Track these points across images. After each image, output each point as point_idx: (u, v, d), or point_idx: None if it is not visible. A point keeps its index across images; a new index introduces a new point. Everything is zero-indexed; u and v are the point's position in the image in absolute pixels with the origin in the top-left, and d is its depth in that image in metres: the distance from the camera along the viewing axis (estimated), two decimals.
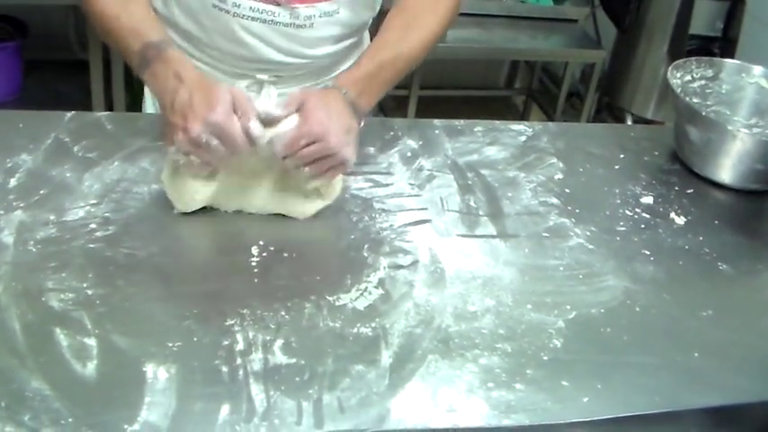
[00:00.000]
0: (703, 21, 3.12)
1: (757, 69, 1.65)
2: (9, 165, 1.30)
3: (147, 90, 1.66)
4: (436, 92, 3.49)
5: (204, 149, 1.16)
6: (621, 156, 1.57)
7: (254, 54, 1.47)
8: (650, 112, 3.34)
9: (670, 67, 1.59)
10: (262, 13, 1.40)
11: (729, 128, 1.47)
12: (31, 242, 1.15)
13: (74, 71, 3.23)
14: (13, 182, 1.27)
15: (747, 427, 1.10)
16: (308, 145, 1.19)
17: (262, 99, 1.25)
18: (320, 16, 1.43)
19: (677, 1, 3.13)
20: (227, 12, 1.40)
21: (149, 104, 1.66)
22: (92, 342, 1.01)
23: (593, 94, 3.51)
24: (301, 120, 1.19)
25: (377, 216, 1.29)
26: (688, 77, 1.63)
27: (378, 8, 1.55)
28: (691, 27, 3.13)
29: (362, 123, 1.30)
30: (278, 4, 1.39)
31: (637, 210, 1.41)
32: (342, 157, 1.22)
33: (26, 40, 3.21)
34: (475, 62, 3.87)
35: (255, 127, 1.16)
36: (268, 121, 1.18)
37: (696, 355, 1.11)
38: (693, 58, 1.65)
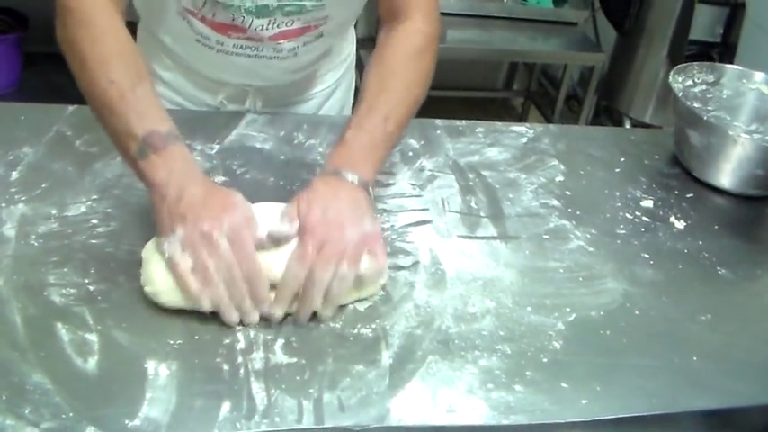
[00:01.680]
0: (703, 26, 3.14)
1: (758, 76, 1.65)
2: (11, 158, 1.31)
3: None
4: (435, 92, 3.47)
5: (209, 250, 1.02)
6: (622, 159, 1.58)
7: (243, 80, 1.50)
8: (648, 116, 3.35)
9: (672, 72, 1.59)
10: (245, 49, 1.40)
11: (730, 133, 1.48)
12: (33, 236, 1.15)
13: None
14: (14, 175, 1.27)
15: (745, 427, 1.10)
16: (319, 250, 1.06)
17: (263, 216, 1.08)
18: (303, 45, 1.43)
19: (677, 6, 3.13)
20: (212, 48, 1.40)
21: None
22: (93, 337, 1.01)
23: (592, 98, 3.52)
24: (300, 230, 1.07)
25: (378, 216, 1.29)
26: (689, 82, 1.64)
27: (360, 9, 1.47)
28: (691, 32, 3.14)
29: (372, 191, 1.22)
30: (261, 41, 1.38)
31: (637, 213, 1.42)
32: (355, 239, 1.07)
33: (26, 32, 3.22)
34: (474, 63, 3.87)
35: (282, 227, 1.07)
36: (276, 241, 1.07)
37: (694, 358, 1.12)
38: (695, 63, 1.66)
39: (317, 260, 1.04)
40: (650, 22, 3.23)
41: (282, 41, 1.39)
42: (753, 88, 1.66)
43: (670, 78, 1.58)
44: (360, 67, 1.80)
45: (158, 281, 1.05)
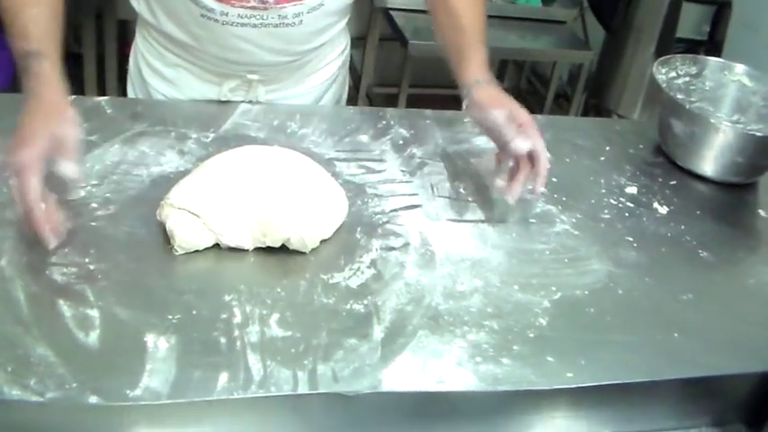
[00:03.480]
0: (690, 24, 3.18)
1: (739, 68, 1.70)
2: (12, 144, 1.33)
3: (130, 72, 1.69)
4: (426, 90, 3.53)
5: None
6: (607, 148, 1.62)
7: (247, 57, 1.51)
8: (636, 113, 3.39)
9: (656, 63, 1.64)
10: (250, 18, 1.43)
11: (712, 121, 1.52)
12: None
13: (67, 64, 3.25)
14: None
15: (723, 401, 1.14)
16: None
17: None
18: (308, 12, 1.46)
19: (665, 4, 3.17)
20: (216, 21, 1.43)
21: (131, 89, 1.69)
22: (94, 313, 1.04)
23: (581, 95, 3.56)
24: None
25: (369, 201, 1.33)
26: (673, 74, 1.68)
27: None
28: (678, 30, 3.19)
29: None
30: (265, 8, 1.42)
31: (621, 199, 1.46)
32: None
33: None
34: None
35: (68, 168, 1.13)
36: None
37: (676, 335, 1.15)
38: (679, 55, 1.70)
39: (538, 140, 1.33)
40: (638, 20, 3.27)
41: (287, 5, 1.43)
42: (734, 80, 1.70)
43: (654, 70, 1.62)
44: (352, 67, 1.85)
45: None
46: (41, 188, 1.09)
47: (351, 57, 1.80)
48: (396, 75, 3.36)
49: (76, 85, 3.00)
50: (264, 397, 0.96)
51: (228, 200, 1.18)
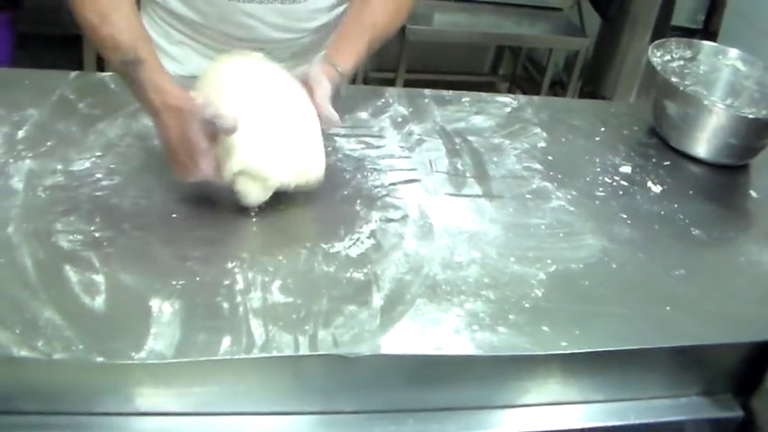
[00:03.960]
0: (686, 13, 3.21)
1: (733, 52, 1.72)
2: (16, 118, 1.36)
3: None
4: (422, 76, 3.55)
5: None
6: (602, 129, 1.64)
7: (252, 34, 1.53)
8: (631, 100, 3.42)
9: (651, 46, 1.66)
10: None
11: (705, 103, 1.54)
12: (40, 188, 1.21)
13: (66, 46, 3.27)
14: (21, 133, 1.32)
15: (712, 371, 1.17)
16: None
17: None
18: None
19: None
20: None
21: None
22: (100, 279, 1.06)
23: (576, 83, 3.58)
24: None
25: (369, 174, 1.36)
26: (668, 57, 1.70)
27: None
28: (673, 19, 3.21)
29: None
30: None
31: (615, 178, 1.48)
32: None
33: (19, 12, 3.25)
34: (460, 47, 3.93)
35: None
36: None
37: (668, 308, 1.18)
38: (674, 38, 1.72)
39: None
40: (634, 8, 3.29)
41: None
42: (728, 64, 1.72)
43: (649, 53, 1.64)
44: None
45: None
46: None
47: None
48: (393, 60, 3.38)
49: (76, 67, 3.02)
50: (267, 359, 0.98)
51: (273, 142, 1.20)
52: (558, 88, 3.94)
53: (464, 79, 4.01)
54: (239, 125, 1.14)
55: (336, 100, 1.32)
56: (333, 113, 1.28)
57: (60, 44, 3.28)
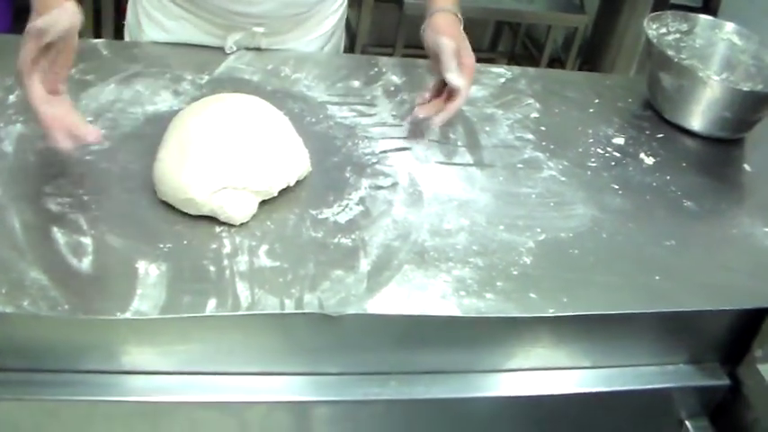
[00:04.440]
0: None
1: (729, 26, 1.71)
2: (8, 83, 1.35)
3: (127, 24, 1.70)
4: (420, 51, 3.52)
5: None
6: (596, 101, 1.63)
7: (253, 9, 1.52)
8: None
9: (646, 19, 1.65)
10: None
11: (700, 75, 1.54)
12: (30, 152, 1.21)
13: None
14: (12, 98, 1.32)
15: (699, 340, 1.17)
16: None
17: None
18: None
19: None
20: None
21: (127, 34, 1.70)
22: (87, 240, 1.06)
23: (575, 60, 3.57)
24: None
25: (360, 142, 1.35)
26: (663, 30, 1.69)
27: None
28: None
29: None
30: None
31: (608, 149, 1.48)
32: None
33: None
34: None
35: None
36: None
37: (657, 278, 1.18)
38: (669, 11, 1.71)
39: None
40: None
41: None
42: (724, 38, 1.71)
43: (644, 25, 1.63)
44: (348, 26, 1.84)
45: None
46: (44, 88, 1.10)
47: (347, 16, 1.81)
48: (391, 35, 3.37)
49: None
50: (250, 317, 0.99)
51: (249, 154, 1.16)
52: (557, 65, 3.93)
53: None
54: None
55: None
56: (456, 81, 1.34)
57: None
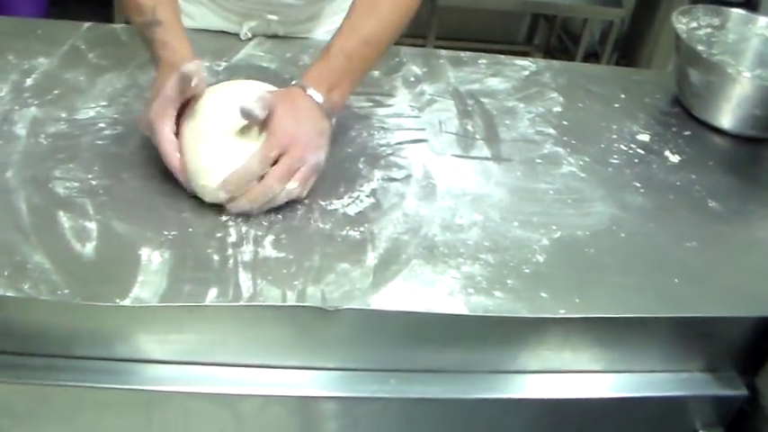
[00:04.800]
0: None
1: (763, 20, 1.66)
2: (26, 66, 1.35)
3: None
4: (453, 43, 3.50)
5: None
6: (622, 96, 1.59)
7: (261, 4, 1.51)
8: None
9: (675, 12, 1.61)
10: None
11: (729, 71, 1.49)
12: (42, 135, 1.21)
13: (97, 4, 3.29)
14: (29, 81, 1.32)
15: (716, 347, 1.13)
16: (278, 157, 1.11)
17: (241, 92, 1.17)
18: None
19: None
20: None
21: None
22: (92, 225, 1.06)
23: (611, 54, 3.52)
24: (269, 131, 1.12)
25: (375, 133, 1.33)
26: (694, 24, 1.65)
27: None
28: None
29: (334, 121, 1.21)
30: None
31: (632, 145, 1.44)
32: (312, 164, 1.13)
33: None
34: (494, 16, 3.88)
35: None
36: (248, 118, 1.11)
37: (676, 280, 1.14)
38: (701, 5, 1.67)
39: (276, 169, 1.10)
40: None
41: None
42: (758, 33, 1.66)
43: (673, 18, 1.59)
44: None
45: None
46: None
47: None
48: (423, 27, 3.33)
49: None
50: (246, 308, 0.98)
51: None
52: (592, 60, 3.87)
53: (496, 48, 3.94)
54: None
55: None
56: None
57: (93, 3, 3.30)
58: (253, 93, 1.13)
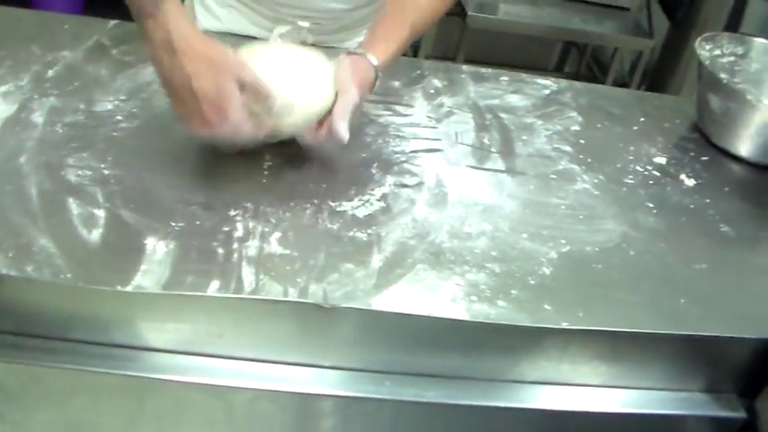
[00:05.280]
0: (756, 21, 3.11)
1: None
2: (49, 58, 1.37)
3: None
4: (485, 67, 3.49)
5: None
6: (642, 119, 1.59)
7: (299, 2, 1.52)
8: None
9: (699, 39, 1.60)
10: None
11: (748, 98, 1.48)
12: (59, 124, 1.22)
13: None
14: (50, 73, 1.34)
15: (718, 368, 1.12)
16: None
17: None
18: None
19: None
20: None
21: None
22: (101, 213, 1.06)
23: (638, 84, 3.51)
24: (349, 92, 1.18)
25: (391, 140, 1.33)
26: (717, 52, 1.64)
27: None
28: (743, 26, 3.12)
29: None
30: None
31: (648, 167, 1.43)
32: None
33: None
34: (525, 42, 3.87)
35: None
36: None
37: (682, 301, 1.13)
38: (726, 33, 1.66)
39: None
40: (703, 13, 3.21)
41: None
42: None
43: (696, 45, 1.58)
44: None
45: None
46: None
47: None
48: (452, 49, 3.35)
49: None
50: (244, 301, 0.98)
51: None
52: None
53: (525, 74, 3.94)
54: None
55: (359, 110, 1.26)
56: (342, 132, 1.16)
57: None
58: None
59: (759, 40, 1.68)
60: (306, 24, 1.56)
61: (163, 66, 1.09)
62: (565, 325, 1.03)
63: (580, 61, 4.09)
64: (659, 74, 3.47)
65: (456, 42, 3.29)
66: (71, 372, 0.97)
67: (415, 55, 3.53)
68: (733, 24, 3.12)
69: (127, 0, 1.18)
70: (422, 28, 1.34)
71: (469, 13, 3.00)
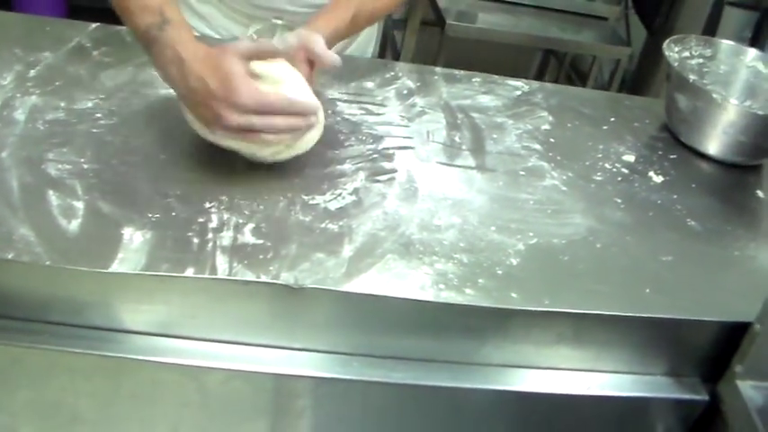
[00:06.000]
0: (732, 29, 3.15)
1: (753, 53, 1.69)
2: (31, 59, 1.40)
3: None
4: (460, 70, 3.53)
5: (253, 131, 1.14)
6: (612, 119, 1.63)
7: (271, 2, 1.57)
8: None
9: (668, 41, 1.64)
10: None
11: (715, 96, 1.52)
12: (40, 121, 1.25)
13: (115, 18, 3.34)
14: (32, 72, 1.36)
15: (681, 352, 1.15)
16: None
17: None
18: None
19: (707, 8, 3.16)
20: None
21: None
22: (79, 205, 1.09)
23: (617, 91, 3.56)
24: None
25: (364, 138, 1.37)
26: (686, 54, 1.68)
27: None
28: (719, 35, 3.17)
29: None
30: None
31: (617, 165, 1.47)
32: None
33: None
34: (504, 52, 3.91)
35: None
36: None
37: (647, 291, 1.16)
38: (694, 35, 1.70)
39: None
40: (680, 23, 3.26)
41: None
42: (749, 65, 1.70)
43: (664, 46, 1.62)
44: (393, 48, 1.84)
45: None
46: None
47: (393, 38, 1.84)
48: (431, 58, 3.39)
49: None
50: (216, 282, 1.01)
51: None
52: None
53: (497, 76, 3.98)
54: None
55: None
56: (333, 56, 1.28)
57: (112, 15, 3.36)
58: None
59: (726, 42, 1.72)
60: (280, 22, 1.59)
61: (175, 79, 1.15)
62: (529, 307, 1.06)
63: (559, 70, 4.14)
64: (637, 82, 3.52)
65: (435, 51, 3.34)
66: (50, 352, 1.00)
67: None
68: (709, 34, 3.16)
69: (131, 24, 1.24)
70: (366, 15, 1.50)
71: (448, 21, 3.05)
